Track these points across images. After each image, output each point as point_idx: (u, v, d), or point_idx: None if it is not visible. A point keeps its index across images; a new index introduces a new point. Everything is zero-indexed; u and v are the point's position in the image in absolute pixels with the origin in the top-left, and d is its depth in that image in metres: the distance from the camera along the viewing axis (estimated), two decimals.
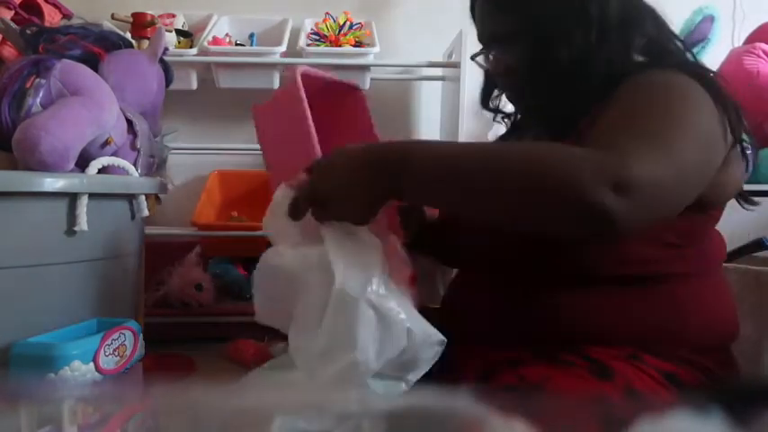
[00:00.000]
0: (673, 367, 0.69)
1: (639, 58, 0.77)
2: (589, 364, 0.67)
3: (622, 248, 0.69)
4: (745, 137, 0.72)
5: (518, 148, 0.64)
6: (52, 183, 0.95)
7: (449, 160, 0.64)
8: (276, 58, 1.72)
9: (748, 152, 0.75)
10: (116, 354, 0.94)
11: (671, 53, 0.78)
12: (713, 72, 0.73)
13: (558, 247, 0.70)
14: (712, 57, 1.92)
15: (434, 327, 0.67)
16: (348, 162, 0.66)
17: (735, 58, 1.84)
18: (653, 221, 0.61)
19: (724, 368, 0.74)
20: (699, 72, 0.70)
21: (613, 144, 0.59)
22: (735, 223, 1.64)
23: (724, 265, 1.08)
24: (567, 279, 0.71)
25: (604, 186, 0.55)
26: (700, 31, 1.89)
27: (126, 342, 0.96)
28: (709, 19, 1.88)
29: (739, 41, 2.01)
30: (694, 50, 1.87)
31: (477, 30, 0.85)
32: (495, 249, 0.77)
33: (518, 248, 0.73)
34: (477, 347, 0.74)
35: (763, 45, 1.79)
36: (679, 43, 0.80)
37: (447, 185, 0.63)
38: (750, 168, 1.65)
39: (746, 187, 1.76)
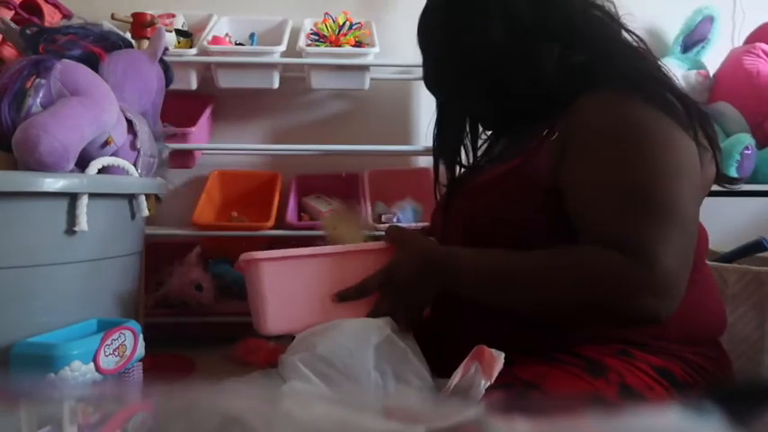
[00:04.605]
0: (663, 362, 0.70)
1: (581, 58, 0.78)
2: (583, 362, 0.68)
3: None
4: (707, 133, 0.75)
5: (557, 267, 0.68)
6: (52, 183, 0.95)
7: (494, 279, 0.72)
8: (276, 58, 1.72)
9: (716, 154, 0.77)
10: (116, 354, 0.94)
11: (616, 57, 0.78)
12: (663, 73, 0.76)
13: None
14: (712, 57, 1.92)
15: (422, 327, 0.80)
16: (415, 261, 0.77)
17: (735, 58, 1.84)
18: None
19: (714, 362, 0.74)
20: (654, 91, 0.72)
21: (628, 238, 0.63)
22: (735, 223, 1.65)
23: (724, 265, 1.08)
24: None
25: (647, 298, 0.62)
26: (700, 31, 1.89)
27: (126, 342, 0.96)
28: (709, 19, 1.88)
29: (739, 41, 2.01)
30: (694, 50, 1.90)
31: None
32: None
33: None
34: (467, 349, 0.74)
35: (763, 45, 1.79)
36: (629, 36, 0.80)
37: (494, 300, 0.73)
38: (750, 168, 1.66)
39: (747, 187, 1.76)
